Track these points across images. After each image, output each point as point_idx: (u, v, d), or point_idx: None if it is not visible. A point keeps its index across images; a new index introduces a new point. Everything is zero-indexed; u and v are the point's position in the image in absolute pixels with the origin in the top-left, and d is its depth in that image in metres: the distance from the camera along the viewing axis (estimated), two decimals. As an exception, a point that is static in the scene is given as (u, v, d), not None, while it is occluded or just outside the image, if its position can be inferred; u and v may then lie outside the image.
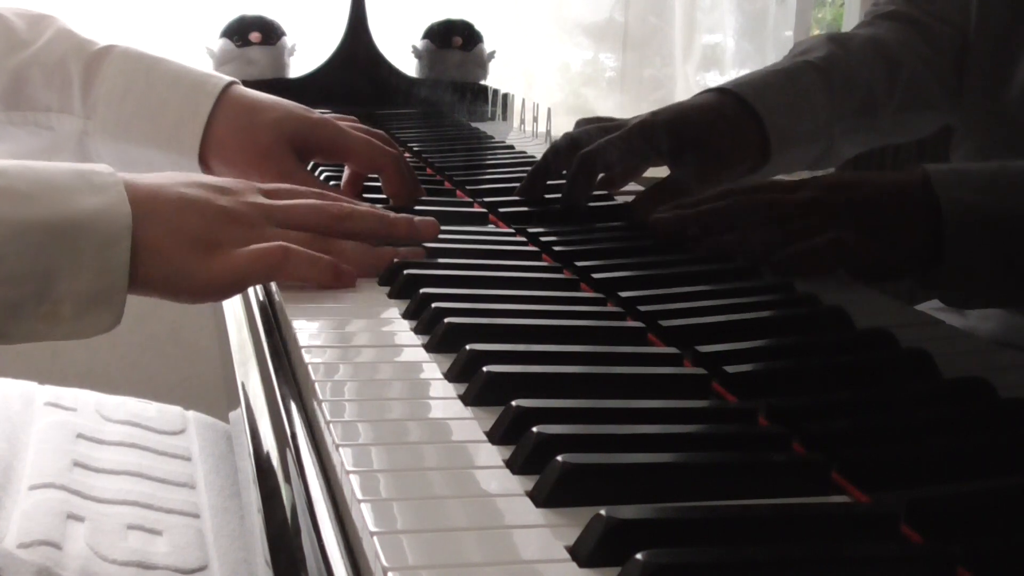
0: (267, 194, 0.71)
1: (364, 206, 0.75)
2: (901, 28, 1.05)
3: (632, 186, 1.03)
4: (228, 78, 0.89)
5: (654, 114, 0.93)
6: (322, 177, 0.98)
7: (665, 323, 0.62)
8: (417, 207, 0.86)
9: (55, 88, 0.89)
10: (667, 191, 0.89)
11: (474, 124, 1.36)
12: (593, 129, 0.94)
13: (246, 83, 0.92)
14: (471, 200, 0.95)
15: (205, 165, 0.88)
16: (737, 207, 0.79)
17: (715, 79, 2.07)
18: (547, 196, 0.94)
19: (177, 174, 0.69)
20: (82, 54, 0.89)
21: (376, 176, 0.91)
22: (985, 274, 0.75)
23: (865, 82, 1.00)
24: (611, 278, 0.71)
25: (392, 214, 0.75)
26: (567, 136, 0.95)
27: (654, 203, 0.86)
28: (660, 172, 0.96)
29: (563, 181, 0.91)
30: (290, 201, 0.71)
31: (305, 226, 0.69)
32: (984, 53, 0.94)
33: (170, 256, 0.64)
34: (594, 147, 0.90)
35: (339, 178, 0.94)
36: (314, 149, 0.89)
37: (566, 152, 0.92)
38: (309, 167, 0.97)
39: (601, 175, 0.94)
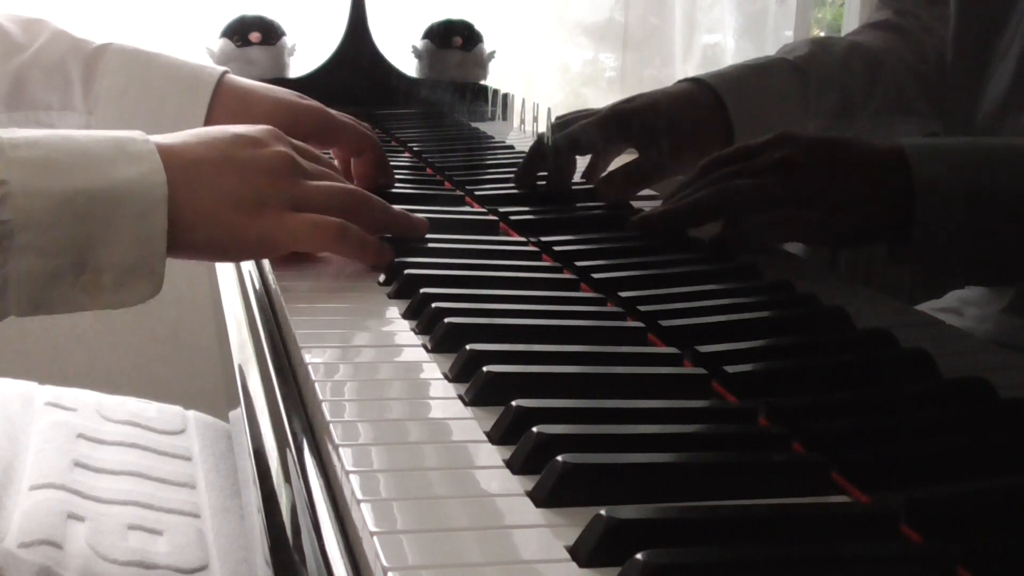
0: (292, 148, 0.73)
1: (376, 197, 0.77)
2: (888, 36, 1.06)
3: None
4: (221, 68, 0.93)
5: (627, 100, 0.98)
6: None
7: (665, 323, 0.62)
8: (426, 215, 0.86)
9: (56, 87, 0.90)
10: (635, 173, 0.96)
11: (474, 124, 1.35)
12: (573, 121, 1.00)
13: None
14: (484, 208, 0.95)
15: None
16: (715, 189, 0.79)
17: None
18: (546, 197, 0.96)
19: (205, 129, 0.71)
20: (80, 53, 0.91)
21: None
22: (956, 249, 0.75)
23: (843, 83, 1.01)
24: (611, 278, 0.71)
25: (395, 209, 0.76)
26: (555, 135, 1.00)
27: (620, 183, 0.95)
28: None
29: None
30: (317, 183, 0.72)
31: (330, 204, 0.71)
32: (961, 65, 0.95)
33: (216, 218, 0.66)
34: (569, 131, 0.96)
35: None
36: (305, 136, 0.93)
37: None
38: None
39: (589, 169, 1.02)
